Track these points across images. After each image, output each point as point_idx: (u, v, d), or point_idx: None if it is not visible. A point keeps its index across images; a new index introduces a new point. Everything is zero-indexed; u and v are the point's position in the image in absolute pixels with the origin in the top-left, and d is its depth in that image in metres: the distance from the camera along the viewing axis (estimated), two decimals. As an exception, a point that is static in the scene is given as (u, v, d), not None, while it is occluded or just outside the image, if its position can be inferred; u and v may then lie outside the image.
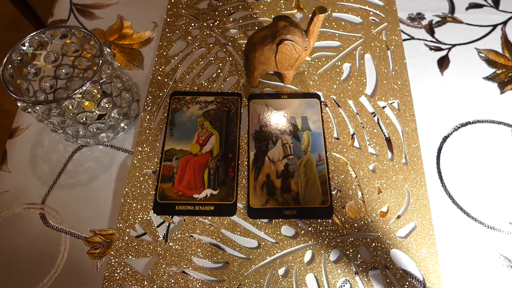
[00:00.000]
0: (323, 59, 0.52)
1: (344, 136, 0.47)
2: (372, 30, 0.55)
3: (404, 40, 0.54)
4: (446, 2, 0.58)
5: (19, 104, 0.38)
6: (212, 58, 0.53)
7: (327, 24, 0.55)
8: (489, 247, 0.41)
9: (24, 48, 0.41)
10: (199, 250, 0.41)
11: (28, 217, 0.43)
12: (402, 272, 0.39)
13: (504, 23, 0.56)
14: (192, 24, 0.56)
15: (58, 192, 0.44)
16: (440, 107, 0.49)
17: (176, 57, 0.53)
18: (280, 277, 0.39)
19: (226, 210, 0.42)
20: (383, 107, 0.49)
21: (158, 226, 0.42)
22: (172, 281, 0.39)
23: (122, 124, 0.46)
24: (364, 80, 0.51)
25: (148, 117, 0.48)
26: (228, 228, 0.42)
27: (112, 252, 0.40)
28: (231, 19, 0.56)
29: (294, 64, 0.46)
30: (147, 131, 0.47)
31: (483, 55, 0.53)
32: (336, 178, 0.44)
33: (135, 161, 0.45)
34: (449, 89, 0.50)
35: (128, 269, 0.40)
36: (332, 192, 0.43)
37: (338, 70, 0.52)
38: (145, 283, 0.39)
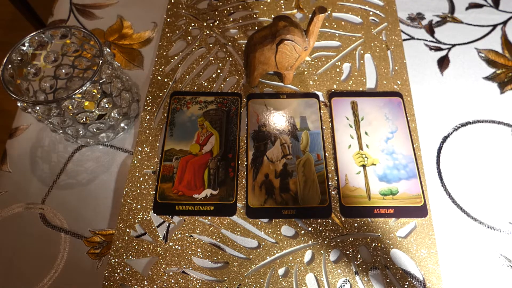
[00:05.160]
0: (323, 59, 0.52)
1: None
2: (372, 30, 0.55)
3: (404, 40, 0.54)
4: (446, 2, 0.58)
5: (19, 104, 0.38)
6: (212, 58, 0.53)
7: (327, 24, 0.55)
8: (489, 247, 0.41)
9: (24, 48, 0.42)
10: (199, 250, 0.41)
11: (28, 217, 0.43)
12: (402, 272, 0.39)
13: (504, 23, 0.56)
14: (192, 24, 0.56)
15: (58, 192, 0.44)
16: (440, 107, 0.49)
17: (176, 57, 0.53)
18: (280, 277, 0.40)
19: (226, 210, 0.42)
20: (383, 107, 0.49)
21: (158, 226, 0.42)
22: (172, 281, 0.39)
23: (122, 124, 0.46)
24: (364, 80, 0.51)
25: (148, 117, 0.48)
26: (228, 228, 0.42)
27: (112, 252, 0.40)
28: (231, 19, 0.56)
29: (294, 64, 0.46)
30: (147, 131, 0.47)
31: (483, 55, 0.53)
32: (334, 177, 0.44)
33: (135, 161, 0.45)
34: (449, 89, 0.50)
35: (128, 269, 0.40)
36: (331, 192, 0.43)
37: (338, 70, 0.52)
38: (145, 283, 0.39)
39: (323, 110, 0.48)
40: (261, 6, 0.57)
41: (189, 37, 0.55)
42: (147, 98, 0.49)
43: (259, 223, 0.42)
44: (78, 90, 0.37)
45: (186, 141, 0.46)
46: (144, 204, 0.43)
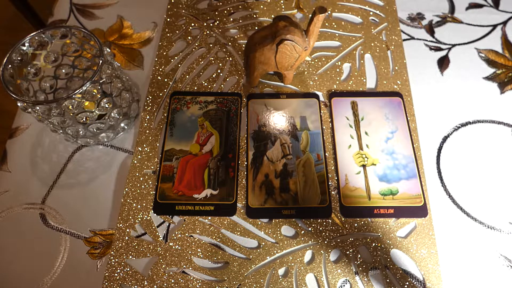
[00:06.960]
0: (323, 59, 0.52)
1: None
2: (372, 30, 0.55)
3: (404, 40, 0.54)
4: (446, 2, 0.58)
5: (19, 104, 0.38)
6: (212, 58, 0.53)
7: (327, 24, 0.55)
8: (489, 247, 0.41)
9: (24, 48, 0.42)
10: (199, 250, 0.41)
11: (28, 217, 0.43)
12: (402, 272, 0.39)
13: (504, 23, 0.56)
14: (192, 24, 0.56)
15: (58, 192, 0.44)
16: (440, 107, 0.49)
17: (176, 57, 0.53)
18: (280, 277, 0.40)
19: (226, 210, 0.42)
20: (383, 107, 0.49)
21: (158, 226, 0.42)
22: (172, 281, 0.39)
23: (122, 124, 0.46)
24: (364, 80, 0.51)
25: (148, 117, 0.48)
26: (228, 228, 0.42)
27: (112, 252, 0.40)
28: (231, 19, 0.56)
29: (294, 64, 0.46)
30: (147, 131, 0.47)
31: (483, 55, 0.53)
32: (334, 177, 0.44)
33: (135, 161, 0.45)
34: (449, 89, 0.50)
35: (128, 269, 0.40)
36: (331, 192, 0.43)
37: (338, 70, 0.52)
38: (145, 283, 0.39)
39: (323, 110, 0.48)
40: (261, 6, 0.57)
41: (189, 37, 0.55)
42: (147, 98, 0.49)
43: (259, 223, 0.42)
44: (78, 90, 0.37)
45: (186, 141, 0.46)
46: (144, 204, 0.43)
